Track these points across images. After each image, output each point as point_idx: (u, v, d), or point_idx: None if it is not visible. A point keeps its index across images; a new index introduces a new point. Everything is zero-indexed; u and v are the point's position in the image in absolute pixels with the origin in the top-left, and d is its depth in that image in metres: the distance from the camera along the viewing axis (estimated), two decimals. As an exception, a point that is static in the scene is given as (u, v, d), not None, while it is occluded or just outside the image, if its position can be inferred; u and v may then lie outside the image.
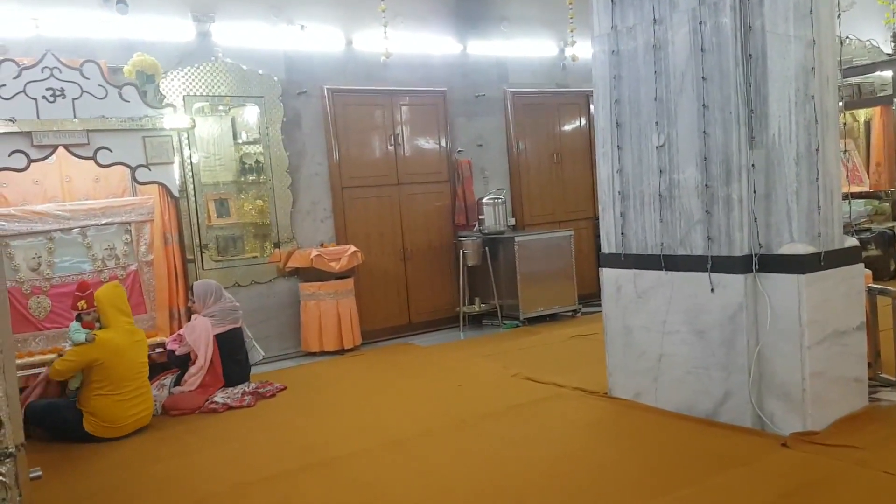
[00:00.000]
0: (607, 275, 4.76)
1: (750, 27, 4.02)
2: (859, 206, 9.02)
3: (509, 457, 3.98)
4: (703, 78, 4.13)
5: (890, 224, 8.87)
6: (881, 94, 9.29)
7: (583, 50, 8.16)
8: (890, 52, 9.03)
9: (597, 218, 9.01)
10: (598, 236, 8.98)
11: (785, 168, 3.97)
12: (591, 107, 9.04)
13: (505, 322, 7.84)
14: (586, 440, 4.24)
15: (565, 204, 8.95)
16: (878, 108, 9.42)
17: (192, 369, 5.42)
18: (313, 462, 4.15)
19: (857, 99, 9.52)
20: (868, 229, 8.77)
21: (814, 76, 3.93)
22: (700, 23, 4.14)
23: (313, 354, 7.08)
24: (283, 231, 7.23)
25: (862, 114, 9.96)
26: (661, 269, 4.37)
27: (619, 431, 4.31)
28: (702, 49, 4.14)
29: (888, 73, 9.04)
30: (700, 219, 4.18)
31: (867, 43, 9.30)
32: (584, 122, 9.12)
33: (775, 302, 3.95)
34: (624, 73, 4.59)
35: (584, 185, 9.09)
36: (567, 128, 9.05)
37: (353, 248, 7.19)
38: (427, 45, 8.05)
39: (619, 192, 4.62)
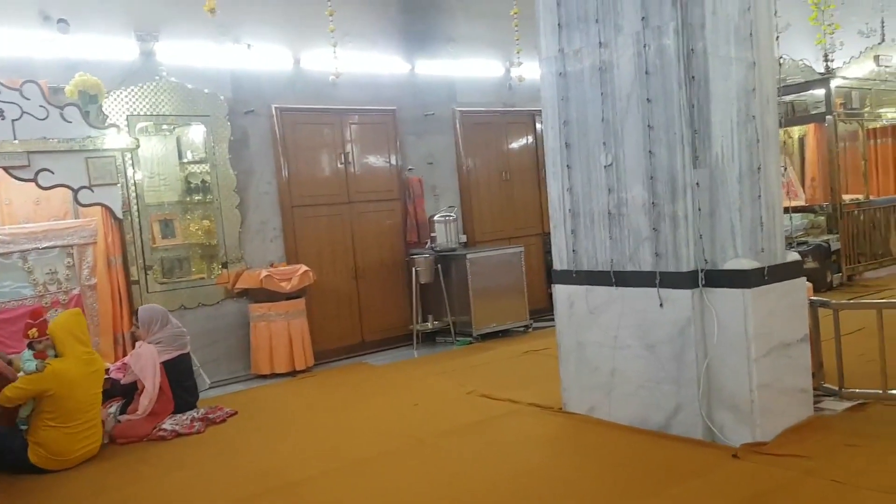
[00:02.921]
0: (559, 291, 4.83)
1: (692, 50, 4.15)
2: (796, 219, 9.36)
3: (470, 475, 3.99)
4: (647, 100, 4.25)
5: (826, 237, 9.22)
6: (814, 112, 9.68)
7: (529, 71, 8.33)
8: (822, 71, 9.42)
9: (545, 234, 9.20)
10: (548, 252, 9.23)
11: (728, 186, 4.10)
12: (538, 126, 9.24)
13: (458, 339, 7.86)
14: (545, 456, 4.27)
15: (515, 221, 9.05)
16: (811, 126, 9.82)
17: (143, 399, 5.26)
18: (271, 487, 4.08)
19: (792, 117, 9.89)
20: (805, 242, 9.11)
21: (755, 97, 4.09)
22: (644, 46, 4.26)
23: (264, 377, 6.97)
24: (231, 251, 7.12)
25: (796, 131, 10.36)
26: (612, 285, 4.46)
27: (575, 446, 4.36)
28: (646, 72, 4.26)
29: (820, 92, 9.44)
30: (648, 236, 4.29)
31: (800, 62, 9.70)
32: (531, 140, 9.26)
33: (722, 316, 4.06)
34: (571, 94, 4.68)
35: (532, 202, 9.22)
36: (515, 146, 9.17)
37: (304, 268, 7.12)
38: (376, 64, 8.07)
39: (569, 210, 4.70)
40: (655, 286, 4.22)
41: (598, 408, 4.63)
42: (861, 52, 9.98)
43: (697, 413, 4.13)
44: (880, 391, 4.35)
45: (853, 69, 9.80)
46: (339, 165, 7.83)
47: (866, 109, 10.02)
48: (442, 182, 8.61)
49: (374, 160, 8.10)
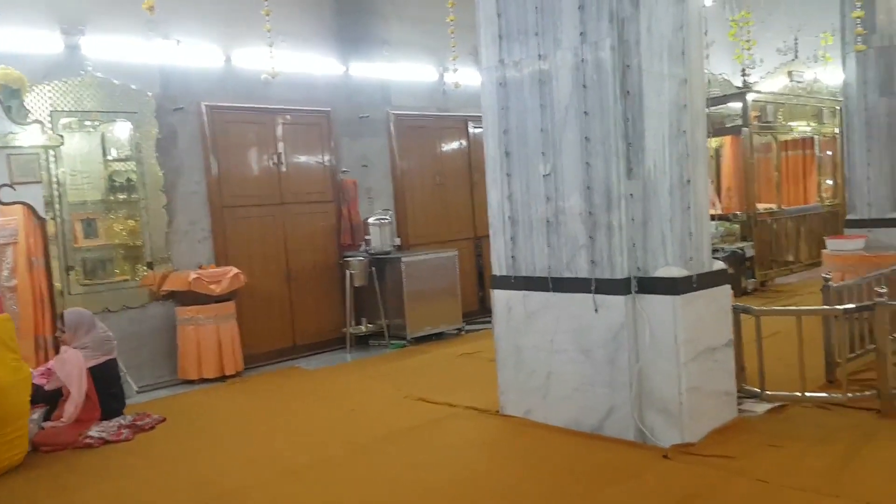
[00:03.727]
0: (498, 296, 4.91)
1: (628, 66, 4.30)
2: (713, 227, 9.77)
3: (410, 480, 4.01)
4: (585, 112, 4.38)
5: (740, 244, 9.66)
6: (731, 125, 10.14)
7: (464, 77, 8.42)
8: (739, 85, 9.88)
9: (477, 238, 9.34)
10: (479, 256, 9.35)
11: (660, 198, 4.26)
12: (471, 131, 9.36)
13: (392, 342, 7.87)
14: (484, 459, 4.34)
15: (448, 225, 9.14)
16: (728, 137, 10.28)
17: (69, 406, 5.06)
18: (206, 497, 4.00)
19: (710, 129, 10.32)
20: (721, 249, 9.52)
21: (686, 112, 4.27)
22: (582, 60, 4.39)
23: (191, 382, 6.80)
24: (158, 252, 6.93)
25: (713, 142, 10.83)
26: (549, 291, 4.57)
27: (514, 449, 4.45)
28: (584, 85, 4.38)
29: (738, 105, 9.90)
30: (584, 244, 4.42)
31: (720, 77, 10.15)
32: (464, 145, 9.37)
33: (653, 321, 4.22)
34: (512, 104, 4.78)
35: (464, 206, 9.33)
36: (448, 151, 9.26)
37: (234, 270, 6.99)
38: (310, 64, 8.00)
39: (509, 218, 4.79)
40: (591, 292, 4.36)
41: (534, 410, 4.74)
42: (776, 68, 10.52)
43: (630, 415, 4.29)
44: (799, 394, 4.61)
45: (768, 84, 10.33)
46: (271, 166, 7.73)
47: (779, 122, 10.57)
48: (376, 185, 8.60)
49: (308, 161, 8.03)
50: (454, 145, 9.31)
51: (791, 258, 10.60)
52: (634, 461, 4.02)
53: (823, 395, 4.74)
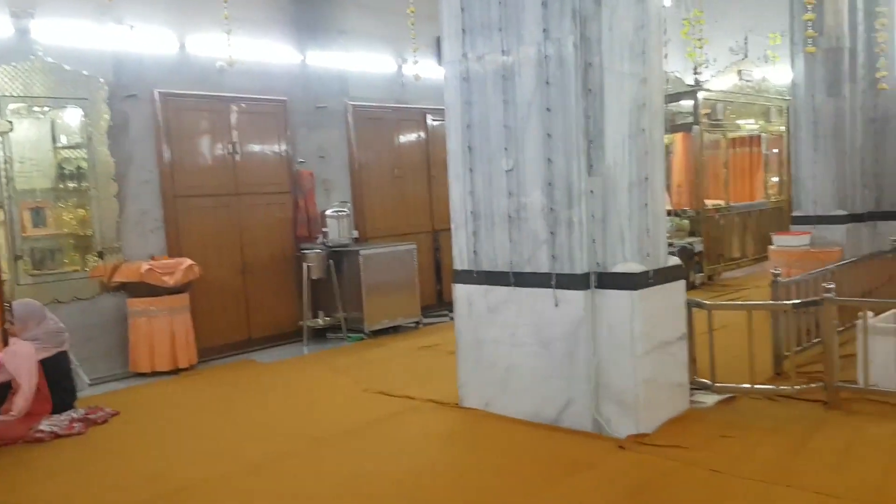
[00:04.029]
0: (460, 290, 4.95)
1: (590, 64, 4.36)
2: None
3: (372, 474, 4.02)
4: (547, 109, 4.43)
5: (690, 239, 9.90)
6: (682, 122, 10.35)
7: (424, 69, 8.42)
8: (691, 83, 10.09)
9: (435, 231, 9.36)
10: (437, 249, 9.37)
11: (619, 195, 4.35)
12: (429, 124, 9.36)
13: (349, 335, 7.85)
14: (445, 451, 4.39)
15: (406, 218, 9.13)
16: (679, 134, 10.50)
17: (19, 400, 4.92)
18: (163, 492, 3.95)
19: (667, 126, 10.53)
20: (671, 244, 9.73)
21: (645, 111, 4.36)
22: (545, 56, 4.44)
23: (144, 375, 6.67)
24: (108, 242, 6.78)
25: (665, 139, 11.03)
26: (511, 286, 4.63)
27: (474, 441, 4.50)
28: (546, 82, 4.43)
29: (689, 102, 10.11)
30: (545, 239, 4.48)
31: (672, 74, 10.34)
32: (422, 138, 9.36)
33: (611, 315, 4.31)
34: (475, 98, 4.80)
35: (422, 199, 9.33)
36: (407, 143, 9.24)
37: (188, 262, 6.88)
38: (266, 52, 7.89)
39: (471, 212, 4.82)
40: (551, 287, 4.42)
41: (493, 402, 4.80)
42: (726, 67, 10.78)
43: (587, 407, 4.37)
44: (749, 385, 4.76)
45: (719, 82, 10.58)
46: (225, 155, 7.61)
47: (729, 120, 10.84)
48: (333, 176, 8.54)
49: (264, 151, 7.93)
50: (413, 138, 9.30)
51: (738, 253, 10.91)
52: (591, 452, 4.11)
53: (772, 387, 4.90)
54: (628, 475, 3.80)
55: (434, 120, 9.31)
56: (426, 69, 8.64)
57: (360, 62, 8.78)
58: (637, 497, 3.54)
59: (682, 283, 4.66)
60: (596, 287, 4.36)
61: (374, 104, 8.89)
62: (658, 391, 4.40)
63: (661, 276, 4.43)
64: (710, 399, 4.85)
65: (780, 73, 11.40)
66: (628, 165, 4.35)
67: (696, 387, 4.88)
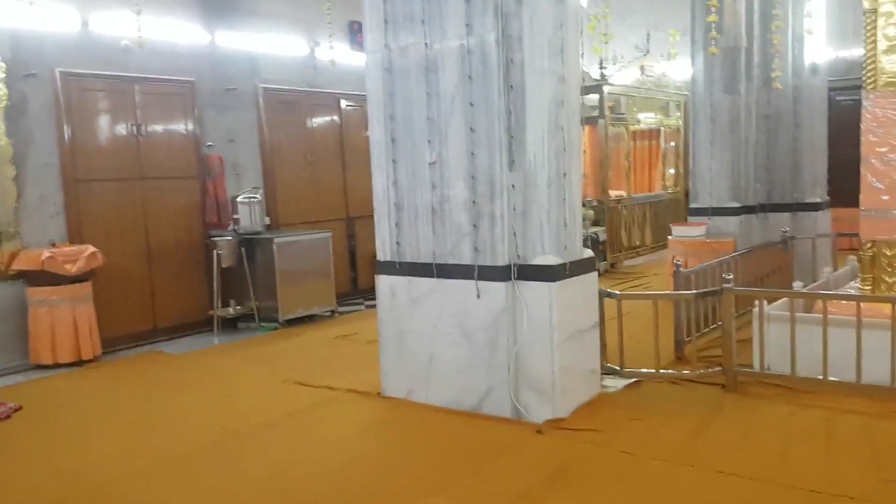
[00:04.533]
0: (382, 281, 4.98)
1: (511, 60, 4.46)
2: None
3: (296, 466, 4.02)
4: (470, 104, 4.51)
5: (594, 229, 10.28)
6: (588, 116, 10.69)
7: (338, 54, 8.34)
8: (597, 77, 10.43)
9: (349, 219, 9.33)
10: (351, 237, 9.35)
11: (539, 189, 4.49)
12: (343, 109, 9.29)
13: (263, 325, 7.73)
14: (368, 441, 4.43)
15: (319, 205, 9.04)
16: (585, 127, 10.83)
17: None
18: (77, 492, 3.82)
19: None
20: (579, 232, 10.07)
21: (563, 109, 4.51)
22: (468, 52, 4.51)
23: (46, 367, 6.37)
24: (5, 228, 6.43)
25: (574, 130, 11.38)
26: (434, 277, 4.71)
27: (397, 430, 4.57)
28: (469, 77, 4.51)
29: (595, 96, 10.46)
30: (468, 232, 4.58)
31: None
32: (336, 123, 9.27)
33: (531, 306, 4.47)
34: (398, 90, 4.82)
35: (336, 186, 9.26)
36: (320, 128, 9.13)
37: (91, 249, 6.60)
38: (172, 31, 7.61)
39: (394, 204, 4.85)
40: (474, 279, 4.53)
41: (416, 392, 4.88)
42: (630, 62, 11.21)
43: (507, 394, 4.52)
44: (654, 370, 5.05)
45: (623, 77, 10.99)
46: (130, 138, 7.31)
47: (631, 114, 11.29)
48: (244, 161, 8.35)
49: (170, 134, 7.67)
50: (326, 123, 9.20)
51: (638, 242, 11.42)
52: (511, 437, 4.26)
53: (675, 371, 5.21)
54: (547, 458, 3.97)
55: (348, 105, 9.24)
56: (340, 54, 8.57)
57: (272, 44, 8.60)
58: (556, 479, 3.70)
59: (595, 275, 4.87)
60: (517, 279, 4.50)
61: (285, 87, 8.73)
62: (573, 377, 4.60)
63: (577, 267, 4.62)
64: (618, 383, 5.11)
65: (678, 69, 11.95)
66: (547, 161, 4.48)
67: (605, 372, 5.13)
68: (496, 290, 4.49)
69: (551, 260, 4.46)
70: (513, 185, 4.49)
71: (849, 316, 4.64)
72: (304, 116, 8.94)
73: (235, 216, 7.79)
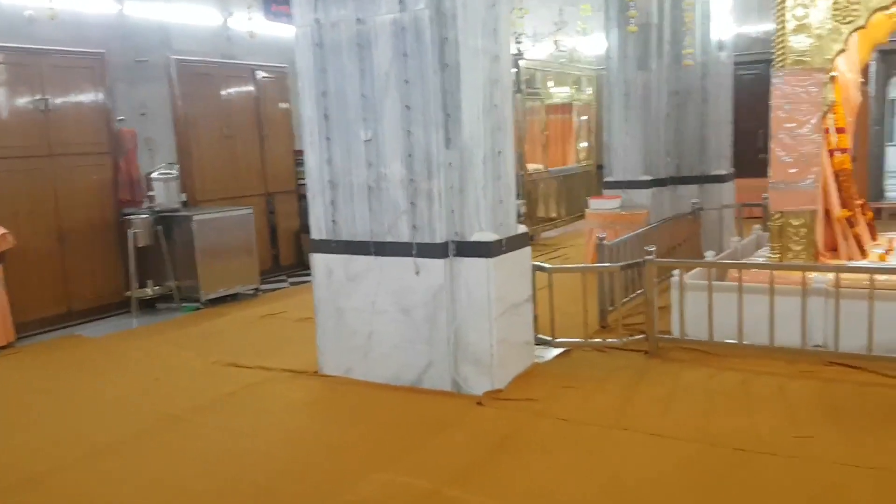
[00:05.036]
0: (318, 260, 4.95)
1: (446, 39, 4.47)
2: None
3: (236, 449, 3.98)
4: (405, 81, 4.51)
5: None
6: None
7: (252, 24, 8.11)
8: (514, 52, 10.55)
9: (269, 195, 9.16)
10: (272, 213, 9.18)
11: (475, 167, 4.56)
12: (260, 81, 9.05)
13: (184, 305, 7.52)
14: (309, 420, 4.45)
15: (237, 180, 8.82)
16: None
17: None
18: (13, 483, 3.67)
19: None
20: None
21: (497, 88, 4.59)
22: (402, 28, 4.49)
23: (-46, 356, 6.03)
24: None
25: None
26: (371, 255, 4.72)
27: (338, 407, 4.59)
28: (404, 54, 4.50)
29: (512, 71, 10.57)
30: (406, 209, 4.61)
31: (496, 43, 10.74)
32: (252, 95, 9.02)
33: (469, 282, 4.56)
34: (329, 66, 4.75)
35: (255, 161, 9.05)
36: (236, 101, 8.88)
37: (1, 230, 6.23)
38: (79, 1, 7.19)
39: (329, 182, 4.82)
40: (412, 256, 4.58)
41: (354, 369, 4.90)
42: (544, 38, 11.39)
43: (446, 368, 4.62)
44: (582, 339, 5.27)
45: (538, 52, 11.17)
46: (37, 113, 6.91)
47: (545, 89, 11.52)
48: (157, 135, 8.04)
49: (79, 109, 7.29)
50: (243, 95, 8.93)
51: (554, 214, 11.73)
52: (452, 410, 4.37)
53: (601, 340, 5.45)
54: (488, 429, 4.09)
55: (265, 77, 9.01)
56: (256, 24, 8.34)
57: (183, 14, 8.27)
58: (499, 449, 3.83)
59: (528, 249, 5.01)
60: (454, 255, 4.58)
61: (199, 59, 8.43)
62: (509, 349, 4.74)
63: (512, 243, 4.73)
64: (549, 353, 5.30)
65: (590, 45, 12.25)
66: (483, 139, 4.56)
67: (537, 343, 5.31)
68: (435, 266, 4.56)
69: (488, 236, 4.55)
70: (450, 163, 4.54)
71: (762, 283, 4.97)
72: (219, 88, 8.66)
73: (150, 193, 7.52)
